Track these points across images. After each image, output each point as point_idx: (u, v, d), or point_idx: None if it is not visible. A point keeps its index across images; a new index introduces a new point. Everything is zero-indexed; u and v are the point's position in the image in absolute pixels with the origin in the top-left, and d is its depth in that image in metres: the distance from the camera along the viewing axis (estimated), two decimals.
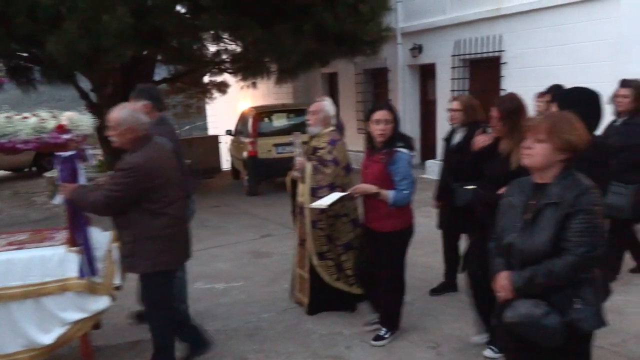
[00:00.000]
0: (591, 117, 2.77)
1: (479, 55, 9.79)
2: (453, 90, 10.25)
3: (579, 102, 2.82)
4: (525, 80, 8.89)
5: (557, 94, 3.04)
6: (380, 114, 3.58)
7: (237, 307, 4.73)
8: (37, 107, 3.28)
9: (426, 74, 11.56)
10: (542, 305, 2.20)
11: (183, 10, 9.06)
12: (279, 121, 11.02)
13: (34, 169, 14.72)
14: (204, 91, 14.03)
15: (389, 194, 3.57)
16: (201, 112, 20.00)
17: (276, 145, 10.12)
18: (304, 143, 4.34)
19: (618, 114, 4.56)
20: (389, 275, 3.79)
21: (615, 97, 4.53)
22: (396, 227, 3.66)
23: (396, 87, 11.87)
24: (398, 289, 3.86)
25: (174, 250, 3.32)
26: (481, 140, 3.69)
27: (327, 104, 4.31)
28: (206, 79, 13.68)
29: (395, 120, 3.61)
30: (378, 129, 3.58)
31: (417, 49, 11.13)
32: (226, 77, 12.72)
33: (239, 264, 5.99)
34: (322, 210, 3.97)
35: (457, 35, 10.15)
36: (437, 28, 10.61)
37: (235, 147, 11.48)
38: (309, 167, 4.13)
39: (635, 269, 4.93)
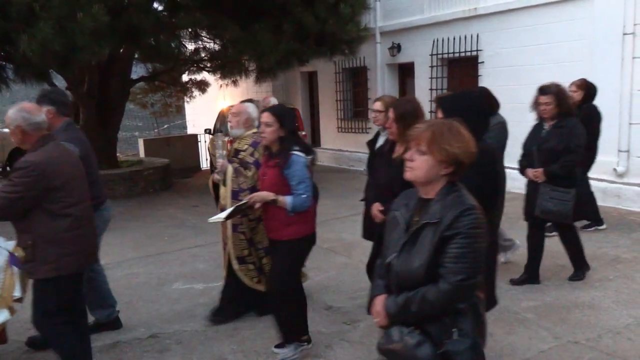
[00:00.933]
0: (478, 123, 2.66)
1: (456, 55, 9.87)
2: (432, 89, 10.33)
3: (466, 107, 2.69)
4: (502, 80, 9.01)
5: (441, 100, 2.90)
6: (262, 116, 3.47)
7: None
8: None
9: (405, 73, 11.62)
10: (416, 335, 2.01)
11: (160, 8, 8.97)
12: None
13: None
14: (183, 90, 13.93)
15: (287, 200, 3.40)
16: (180, 111, 19.86)
17: None
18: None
19: (543, 119, 4.56)
20: (282, 287, 3.55)
21: (537, 105, 4.52)
22: (295, 235, 3.47)
23: (375, 86, 11.92)
24: (295, 300, 3.64)
25: (78, 253, 3.16)
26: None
27: (249, 106, 4.36)
28: (185, 77, 13.58)
29: (280, 123, 3.39)
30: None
31: (396, 48, 11.19)
32: (205, 75, 12.64)
33: (218, 264, 5.94)
34: (243, 215, 3.93)
35: (435, 35, 10.22)
36: (415, 27, 10.68)
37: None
38: (230, 169, 4.05)
39: (517, 280, 4.80)
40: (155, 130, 20.78)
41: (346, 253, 5.99)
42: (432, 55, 10.31)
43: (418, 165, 2.03)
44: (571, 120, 4.46)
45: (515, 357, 3.56)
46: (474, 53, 9.52)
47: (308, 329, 3.76)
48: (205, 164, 13.84)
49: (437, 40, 10.16)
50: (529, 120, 8.62)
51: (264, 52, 7.95)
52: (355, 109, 12.96)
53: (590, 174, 7.20)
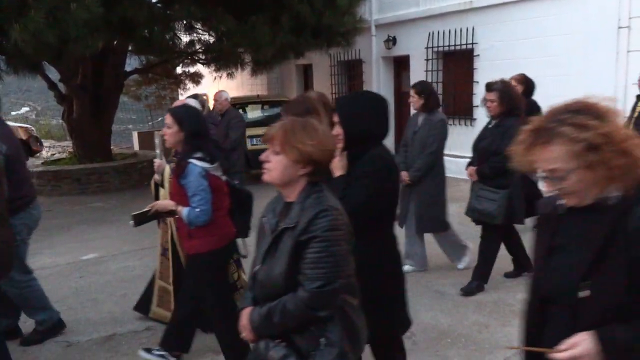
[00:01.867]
0: (378, 126, 2.60)
1: (452, 48, 9.86)
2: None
3: (366, 110, 2.57)
4: (497, 73, 8.92)
5: (339, 101, 2.76)
6: (165, 117, 3.23)
7: None
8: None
9: (400, 66, 11.61)
10: (281, 348, 1.90)
11: (154, 0, 8.90)
12: (253, 113, 10.97)
13: None
14: (177, 82, 13.86)
15: (183, 212, 3.09)
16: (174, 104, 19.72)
17: (250, 137, 10.07)
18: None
19: (491, 117, 4.45)
20: (206, 305, 3.29)
21: (484, 101, 4.44)
22: (200, 249, 3.17)
23: (370, 79, 11.90)
24: (222, 318, 3.30)
25: None
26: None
27: (190, 102, 4.27)
28: (179, 69, 13.51)
29: (179, 125, 3.11)
30: None
31: (391, 41, 11.16)
32: (200, 67, 12.58)
33: None
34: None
35: (430, 28, 10.21)
36: (411, 20, 10.66)
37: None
38: (167, 169, 3.75)
39: (511, 274, 4.83)
40: (150, 123, 20.69)
41: None
42: (427, 48, 10.29)
43: (273, 166, 1.91)
44: (510, 120, 4.22)
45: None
46: (470, 46, 9.52)
47: (188, 347, 3.46)
48: None
49: (433, 33, 10.15)
50: None
51: (261, 44, 7.91)
52: None
53: None
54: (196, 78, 13.35)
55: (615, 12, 7.29)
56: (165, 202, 3.27)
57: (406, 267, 4.90)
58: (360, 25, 9.63)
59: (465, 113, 9.84)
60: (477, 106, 9.52)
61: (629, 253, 1.40)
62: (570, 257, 1.50)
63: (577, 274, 1.46)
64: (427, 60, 10.34)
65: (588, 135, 1.39)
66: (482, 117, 9.42)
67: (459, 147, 9.92)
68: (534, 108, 5.69)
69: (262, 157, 1.94)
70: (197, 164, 3.07)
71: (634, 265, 1.39)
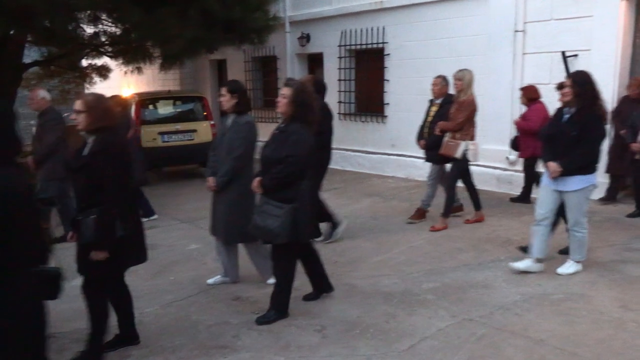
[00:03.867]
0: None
1: (364, 46, 10.09)
2: (340, 80, 10.51)
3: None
4: (407, 72, 9.34)
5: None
6: None
7: None
8: None
9: (314, 63, 11.71)
10: None
11: None
12: (165, 109, 10.66)
13: None
14: (82, 75, 13.13)
15: None
16: None
17: (161, 133, 9.81)
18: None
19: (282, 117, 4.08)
20: None
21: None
22: None
23: (285, 76, 11.90)
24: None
25: None
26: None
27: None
28: (85, 62, 12.81)
29: None
30: None
31: (305, 38, 11.24)
32: (107, 61, 12.00)
33: None
34: None
35: (343, 26, 10.38)
36: (324, 18, 10.78)
37: None
38: None
39: (310, 296, 4.40)
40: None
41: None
42: (340, 46, 10.46)
43: None
44: (294, 125, 3.85)
45: (415, 336, 3.73)
46: (381, 45, 9.78)
47: None
48: None
49: (346, 32, 10.33)
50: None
51: (169, 38, 7.69)
52: (265, 98, 12.90)
53: (486, 162, 7.77)
54: (104, 72, 12.70)
55: (512, 16, 7.76)
56: None
57: (216, 279, 4.82)
58: (273, 23, 9.61)
59: (376, 110, 10.12)
60: (388, 104, 9.82)
61: None
62: None
63: None
64: (340, 58, 10.51)
65: None
66: (392, 114, 9.76)
67: (371, 143, 10.20)
68: (325, 111, 5.47)
69: None
70: None
71: None
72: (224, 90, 4.49)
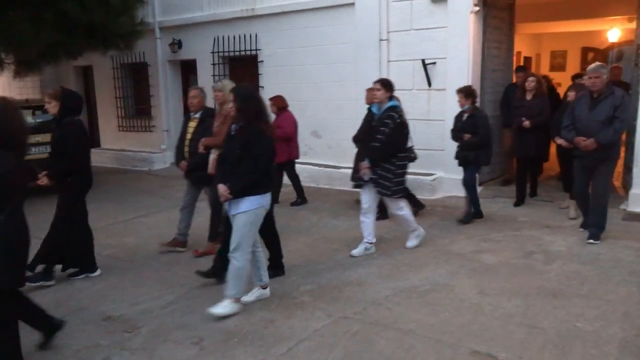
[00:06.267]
0: None
1: (237, 53, 10.06)
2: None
3: None
4: (280, 78, 9.46)
5: None
6: None
7: None
8: None
9: (188, 70, 11.46)
10: None
11: None
12: None
13: None
14: None
15: None
16: None
17: None
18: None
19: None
20: None
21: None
22: None
23: (157, 83, 11.55)
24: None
25: None
26: None
27: None
28: None
29: None
30: None
31: (177, 44, 10.97)
32: None
33: None
34: None
35: (216, 32, 10.28)
36: (196, 24, 10.60)
37: None
38: None
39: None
40: None
41: (128, 258, 5.70)
42: (213, 52, 10.34)
43: None
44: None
45: (293, 339, 3.78)
46: (254, 52, 9.82)
47: None
48: None
49: (218, 38, 10.23)
50: (308, 116, 9.21)
51: (22, 43, 7.10)
52: (137, 106, 12.38)
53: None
54: None
55: (377, 26, 8.18)
56: None
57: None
58: (140, 28, 9.25)
59: None
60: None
61: None
62: None
63: None
64: (213, 64, 10.38)
65: None
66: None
67: None
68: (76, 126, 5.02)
69: None
70: None
71: None
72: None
